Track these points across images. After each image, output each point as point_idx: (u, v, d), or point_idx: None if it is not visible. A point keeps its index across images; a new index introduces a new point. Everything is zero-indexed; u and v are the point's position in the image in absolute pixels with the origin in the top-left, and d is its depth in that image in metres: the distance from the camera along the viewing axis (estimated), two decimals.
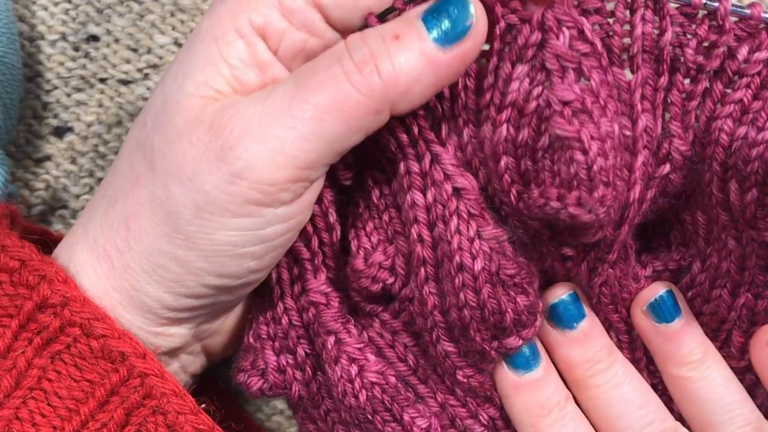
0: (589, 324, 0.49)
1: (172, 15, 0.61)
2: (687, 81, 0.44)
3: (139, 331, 0.44)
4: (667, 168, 0.44)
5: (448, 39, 0.42)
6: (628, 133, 0.43)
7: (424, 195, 0.45)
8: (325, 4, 0.43)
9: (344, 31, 0.44)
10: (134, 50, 0.60)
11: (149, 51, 0.60)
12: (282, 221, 0.43)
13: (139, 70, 0.60)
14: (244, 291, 0.46)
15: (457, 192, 0.44)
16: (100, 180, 0.59)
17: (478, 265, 0.44)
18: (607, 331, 0.49)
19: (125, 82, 0.60)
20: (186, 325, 0.46)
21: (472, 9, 0.42)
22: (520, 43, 0.42)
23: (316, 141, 0.41)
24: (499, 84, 0.43)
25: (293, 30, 0.43)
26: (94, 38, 0.60)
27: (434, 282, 0.46)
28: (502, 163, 0.43)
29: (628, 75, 0.44)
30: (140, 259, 0.43)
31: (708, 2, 0.43)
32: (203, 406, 0.43)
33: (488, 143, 0.44)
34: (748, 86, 0.43)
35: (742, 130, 0.43)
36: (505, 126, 0.43)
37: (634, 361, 0.50)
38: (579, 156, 0.40)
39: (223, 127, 0.41)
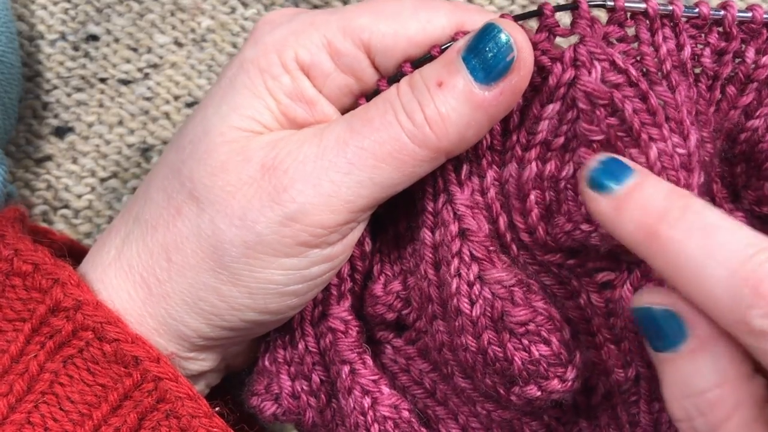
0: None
1: (172, 14, 0.60)
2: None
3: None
4: (702, 176, 0.43)
5: (491, 77, 0.41)
6: (682, 151, 0.42)
7: (433, 234, 0.44)
8: (374, 49, 0.43)
9: (388, 76, 0.44)
10: (134, 50, 0.60)
11: (149, 50, 0.60)
12: (327, 260, 0.43)
13: (140, 70, 0.60)
14: (280, 324, 0.46)
15: (463, 233, 0.44)
16: (102, 180, 0.59)
17: (477, 311, 0.43)
18: None
19: (125, 82, 0.60)
20: (218, 350, 0.46)
21: (512, 42, 0.40)
22: (551, 83, 0.42)
23: (372, 187, 0.41)
24: (526, 124, 0.43)
25: (339, 73, 0.43)
26: (93, 38, 0.60)
27: (441, 320, 0.45)
28: (532, 197, 0.43)
29: None
30: (181, 290, 0.43)
31: (715, 12, 0.44)
32: (217, 409, 0.43)
33: (513, 182, 0.44)
34: (757, 90, 0.44)
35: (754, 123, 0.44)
36: (534, 163, 0.43)
37: None
38: None
39: (275, 167, 0.41)
